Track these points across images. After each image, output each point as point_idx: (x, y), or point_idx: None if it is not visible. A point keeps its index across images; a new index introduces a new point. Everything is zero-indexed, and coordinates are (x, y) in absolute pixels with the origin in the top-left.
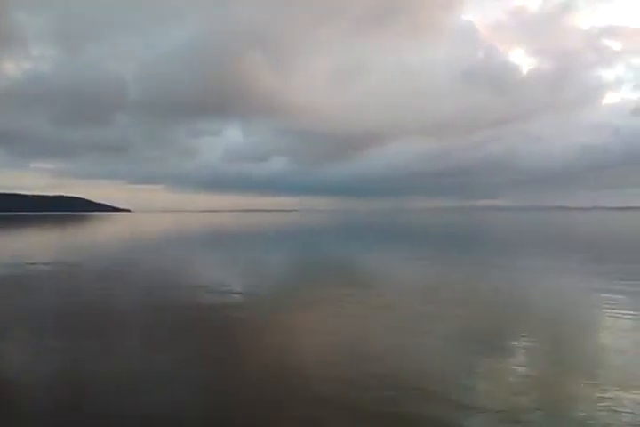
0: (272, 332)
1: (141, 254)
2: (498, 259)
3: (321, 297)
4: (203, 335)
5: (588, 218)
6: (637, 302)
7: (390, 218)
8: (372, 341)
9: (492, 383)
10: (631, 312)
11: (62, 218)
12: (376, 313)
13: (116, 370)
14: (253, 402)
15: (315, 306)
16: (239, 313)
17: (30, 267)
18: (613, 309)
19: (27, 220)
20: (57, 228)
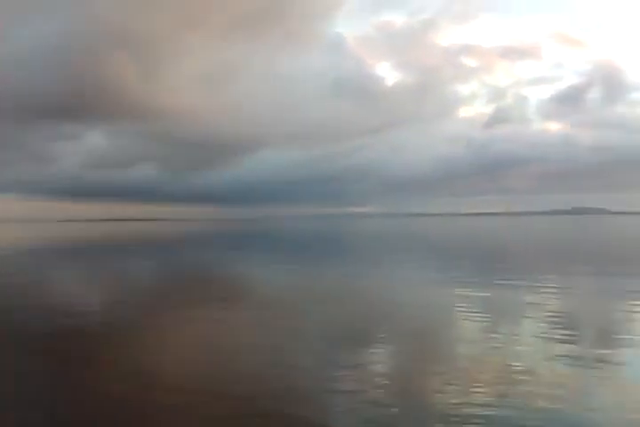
0: (121, 352)
1: None
2: (361, 265)
3: (180, 311)
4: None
5: (446, 223)
6: (481, 303)
7: (262, 226)
8: (232, 357)
9: (353, 387)
10: (477, 313)
11: None
12: (238, 326)
13: None
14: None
15: (172, 321)
16: (86, 332)
17: None
18: (461, 311)
19: None
20: None
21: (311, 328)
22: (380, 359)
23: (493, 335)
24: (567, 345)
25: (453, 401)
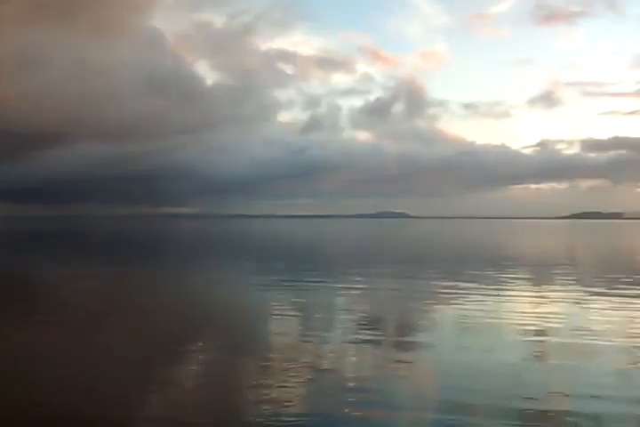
0: None
1: None
2: (174, 268)
3: None
4: None
5: (263, 225)
6: (292, 306)
7: (68, 225)
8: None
9: (168, 392)
10: (288, 316)
11: None
12: (29, 341)
13: None
14: None
15: None
16: None
17: None
18: (272, 314)
19: None
20: None
21: (115, 341)
22: (192, 373)
23: (305, 338)
24: (373, 345)
25: (266, 408)
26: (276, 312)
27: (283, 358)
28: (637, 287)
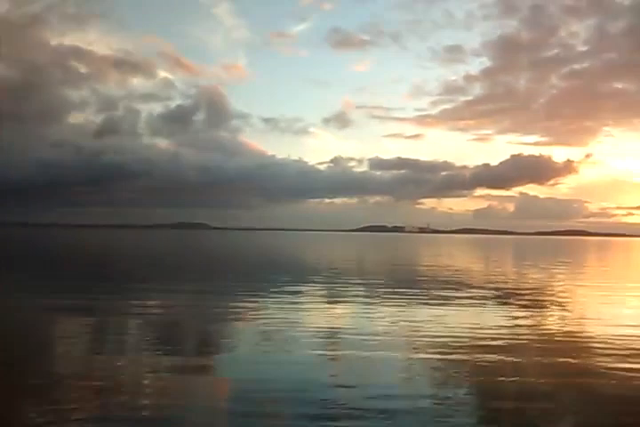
0: None
1: None
2: None
3: None
4: None
5: (46, 235)
6: (83, 326)
7: None
8: None
9: None
10: (80, 338)
11: None
12: None
13: None
14: None
15: None
16: None
17: None
18: (55, 333)
19: None
20: None
21: None
22: None
23: (90, 364)
24: (167, 366)
25: None
26: (56, 335)
27: (65, 385)
28: (422, 296)
